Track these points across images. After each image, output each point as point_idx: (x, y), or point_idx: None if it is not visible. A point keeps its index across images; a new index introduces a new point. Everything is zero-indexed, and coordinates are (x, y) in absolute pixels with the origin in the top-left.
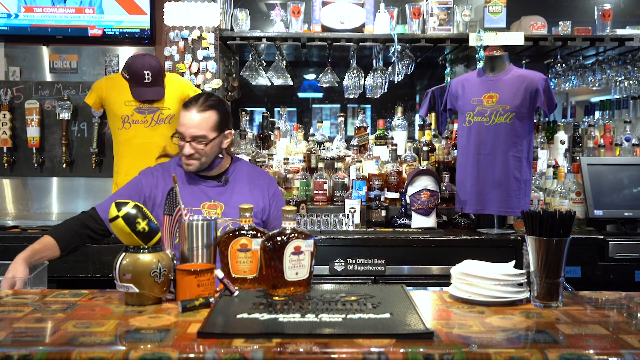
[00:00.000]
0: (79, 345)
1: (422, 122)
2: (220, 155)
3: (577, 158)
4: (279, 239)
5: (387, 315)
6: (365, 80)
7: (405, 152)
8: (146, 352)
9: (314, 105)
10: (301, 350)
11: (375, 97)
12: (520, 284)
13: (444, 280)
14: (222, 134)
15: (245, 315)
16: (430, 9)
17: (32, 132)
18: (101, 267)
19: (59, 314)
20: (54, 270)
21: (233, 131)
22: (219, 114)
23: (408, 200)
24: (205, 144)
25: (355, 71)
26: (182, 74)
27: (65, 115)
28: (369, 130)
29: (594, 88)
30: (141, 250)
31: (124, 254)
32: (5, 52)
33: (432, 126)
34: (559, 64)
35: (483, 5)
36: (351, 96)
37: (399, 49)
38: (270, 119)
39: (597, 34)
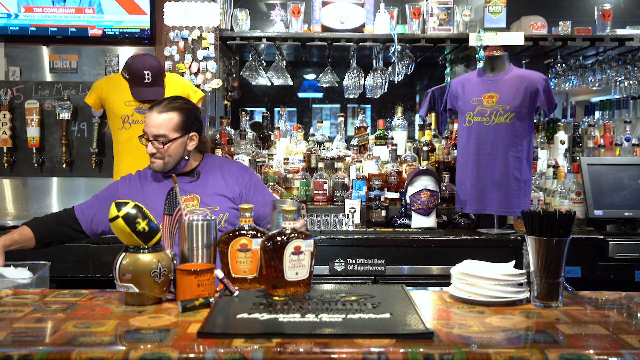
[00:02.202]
0: (79, 345)
1: (422, 122)
2: (186, 157)
3: (577, 158)
4: (279, 239)
5: (387, 315)
6: (365, 80)
7: (405, 152)
8: (146, 352)
9: (314, 105)
10: (301, 350)
11: (375, 97)
12: (520, 284)
13: (444, 280)
14: (186, 136)
15: (245, 315)
16: (430, 9)
17: (32, 132)
18: (101, 267)
19: (59, 314)
20: (54, 270)
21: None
22: (182, 116)
23: (408, 200)
24: (164, 144)
25: (355, 71)
26: (182, 74)
27: (65, 115)
28: (369, 130)
29: (594, 88)
30: (141, 250)
31: (124, 254)
32: (5, 52)
33: (432, 126)
34: (559, 64)
35: (483, 5)
36: (351, 96)
37: (399, 49)
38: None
39: (597, 34)
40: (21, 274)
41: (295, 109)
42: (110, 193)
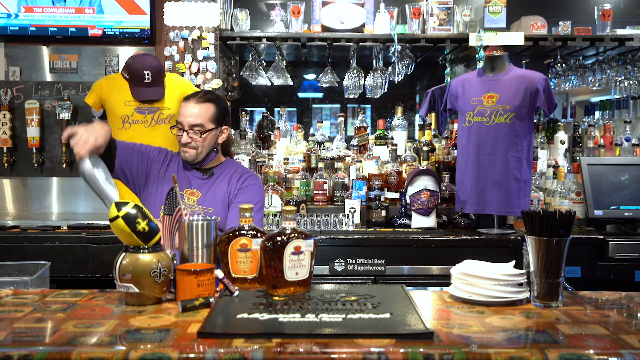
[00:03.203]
0: (79, 345)
1: (422, 122)
2: (216, 150)
3: (577, 158)
4: (279, 239)
5: (387, 315)
6: (365, 80)
7: (405, 152)
8: (146, 352)
9: (314, 105)
10: (301, 350)
11: (375, 97)
12: (520, 284)
13: (444, 280)
14: (219, 128)
15: (245, 315)
16: (430, 9)
17: (32, 132)
18: (101, 267)
19: (59, 314)
20: (54, 270)
21: (232, 131)
22: (217, 107)
23: (408, 200)
24: (202, 134)
25: (355, 71)
26: (182, 74)
27: (65, 115)
28: (369, 130)
29: (594, 88)
30: (141, 250)
31: (124, 254)
32: (5, 52)
33: (432, 126)
34: (559, 64)
35: (483, 5)
36: (351, 96)
37: (399, 49)
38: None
39: (597, 34)
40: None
41: (295, 109)
42: (147, 150)
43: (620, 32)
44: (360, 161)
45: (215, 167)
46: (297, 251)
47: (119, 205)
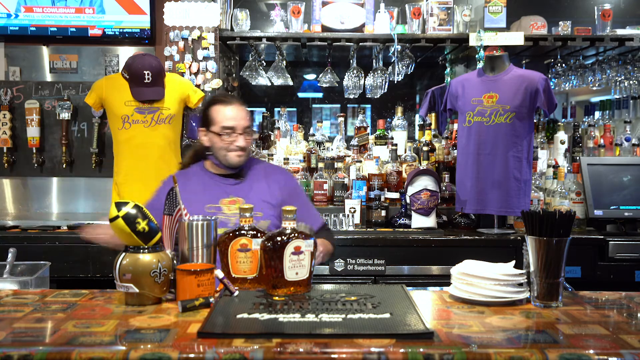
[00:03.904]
0: (79, 345)
1: (422, 122)
2: (252, 150)
3: (577, 158)
4: (279, 239)
5: (387, 315)
6: (365, 80)
7: (405, 152)
8: (146, 352)
9: (314, 105)
10: (301, 350)
11: (375, 97)
12: (520, 284)
13: (444, 280)
14: None
15: (245, 315)
16: (430, 9)
17: (32, 132)
18: (101, 267)
19: (59, 314)
20: (54, 270)
21: None
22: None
23: (408, 200)
24: (252, 134)
25: (355, 71)
26: (182, 74)
27: (65, 115)
28: (369, 130)
29: (594, 88)
30: (141, 250)
31: (124, 254)
32: (5, 52)
33: (432, 126)
34: (559, 64)
35: (483, 5)
36: (351, 96)
37: (399, 49)
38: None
39: (597, 34)
40: None
41: (295, 109)
42: (158, 199)
43: (620, 32)
44: (360, 161)
45: (242, 169)
46: (297, 251)
47: (119, 205)
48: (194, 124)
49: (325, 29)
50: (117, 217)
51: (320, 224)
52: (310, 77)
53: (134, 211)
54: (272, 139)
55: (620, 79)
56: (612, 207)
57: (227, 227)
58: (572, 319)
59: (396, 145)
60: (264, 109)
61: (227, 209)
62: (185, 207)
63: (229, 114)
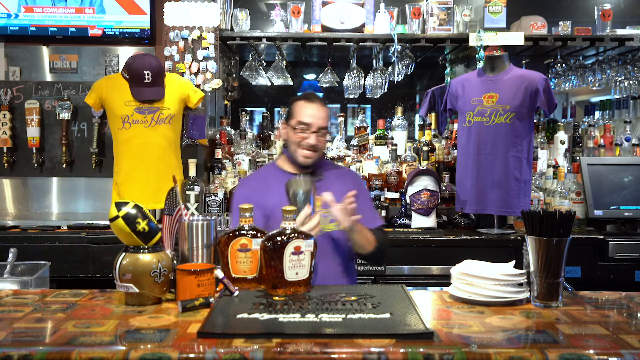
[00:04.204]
0: (79, 345)
1: (422, 122)
2: (325, 151)
3: (577, 158)
4: (279, 239)
5: (387, 315)
6: (365, 80)
7: (405, 152)
8: (146, 352)
9: None
10: (301, 350)
11: (375, 97)
12: (520, 284)
13: (444, 280)
14: None
15: (245, 315)
16: (430, 9)
17: (32, 132)
18: (101, 267)
19: (59, 314)
20: (54, 270)
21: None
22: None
23: (408, 200)
24: (326, 136)
25: (355, 71)
26: (182, 74)
27: (65, 115)
28: (369, 130)
29: (594, 88)
30: (141, 250)
31: (124, 254)
32: (5, 52)
33: (432, 126)
34: (559, 64)
35: (483, 5)
36: (351, 96)
37: (399, 49)
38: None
39: (597, 34)
40: None
41: None
42: (251, 200)
43: (620, 32)
44: (360, 161)
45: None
46: (297, 251)
47: (119, 205)
48: (194, 124)
49: (325, 29)
50: (117, 217)
51: (378, 224)
52: (310, 77)
53: (134, 211)
54: (272, 139)
55: (620, 79)
56: (612, 207)
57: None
58: (572, 319)
59: (396, 145)
60: (264, 109)
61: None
62: (272, 214)
63: (308, 111)
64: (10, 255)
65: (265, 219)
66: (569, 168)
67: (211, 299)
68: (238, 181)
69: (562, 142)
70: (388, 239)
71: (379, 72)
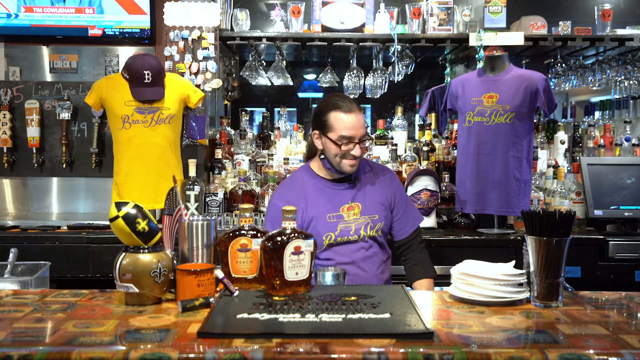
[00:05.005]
0: (79, 345)
1: (422, 122)
2: (364, 156)
3: (577, 158)
4: (279, 239)
5: (387, 315)
6: (365, 80)
7: (405, 152)
8: (146, 352)
9: (314, 105)
10: (301, 350)
11: (375, 97)
12: (520, 284)
13: (444, 280)
14: None
15: (245, 315)
16: (430, 9)
17: (32, 132)
18: (101, 267)
19: (59, 314)
20: (54, 270)
21: (232, 131)
22: None
23: None
24: (368, 141)
25: (355, 71)
26: (182, 74)
27: (65, 115)
28: (369, 130)
29: (594, 88)
30: (141, 250)
31: (124, 254)
32: (5, 52)
33: (432, 126)
34: (559, 64)
35: (483, 5)
36: (351, 96)
37: (399, 49)
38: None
39: (597, 34)
40: None
41: (295, 109)
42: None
43: (620, 32)
44: None
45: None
46: (297, 251)
47: (119, 205)
48: (194, 124)
49: (325, 29)
50: (117, 217)
51: (418, 222)
52: (310, 77)
53: (134, 211)
54: (272, 139)
55: (620, 79)
56: (612, 207)
57: (349, 234)
58: (572, 319)
59: (396, 145)
60: (264, 109)
61: (347, 215)
62: (313, 220)
63: (348, 124)
64: (11, 255)
65: (304, 229)
66: (569, 168)
67: (211, 299)
68: (238, 180)
69: (562, 142)
70: (423, 240)
71: (379, 72)
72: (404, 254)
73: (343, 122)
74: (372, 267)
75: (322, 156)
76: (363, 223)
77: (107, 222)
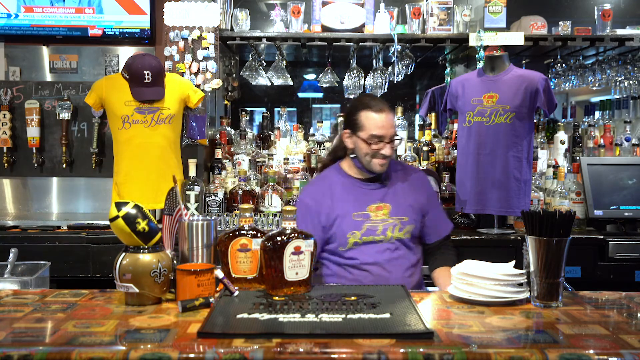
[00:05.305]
0: (79, 345)
1: (422, 122)
2: (393, 156)
3: (577, 158)
4: (279, 239)
5: (387, 315)
6: (365, 80)
7: (405, 152)
8: (146, 352)
9: (314, 105)
10: (301, 350)
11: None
12: (520, 284)
13: None
14: None
15: (245, 315)
16: (430, 9)
17: (32, 132)
18: (101, 267)
19: (59, 314)
20: (54, 270)
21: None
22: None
23: None
24: (398, 141)
25: (355, 71)
26: (182, 74)
27: (65, 115)
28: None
29: (594, 88)
30: (141, 250)
31: (124, 254)
32: (5, 52)
33: (432, 126)
34: (559, 64)
35: (483, 5)
36: (351, 96)
37: (399, 49)
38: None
39: (597, 34)
40: None
41: (295, 109)
42: (310, 215)
43: (620, 32)
44: None
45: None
46: (297, 251)
47: (119, 205)
48: (194, 124)
49: (325, 29)
50: (117, 217)
51: (450, 229)
52: (310, 77)
53: (134, 211)
54: (272, 139)
55: (620, 79)
56: (612, 207)
57: (375, 234)
58: (572, 319)
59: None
60: (264, 109)
61: (374, 215)
62: (338, 218)
63: (379, 122)
64: (11, 255)
65: (328, 228)
66: (569, 168)
67: (211, 299)
68: (238, 180)
69: (562, 142)
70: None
71: (379, 72)
72: (432, 255)
73: (374, 121)
74: (398, 270)
75: (353, 155)
76: (391, 224)
77: (107, 222)
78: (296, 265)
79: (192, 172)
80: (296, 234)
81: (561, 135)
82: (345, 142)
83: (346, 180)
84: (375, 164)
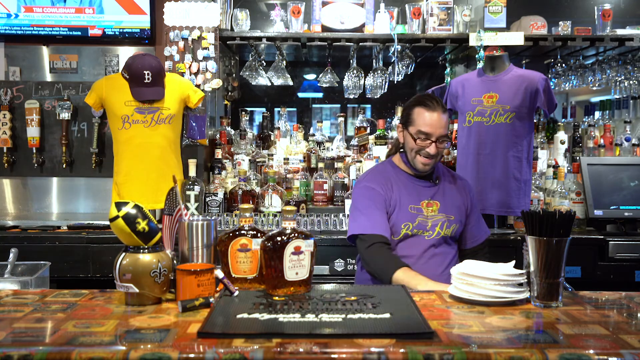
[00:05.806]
0: (79, 345)
1: None
2: (439, 156)
3: (577, 158)
4: (279, 239)
5: (387, 315)
6: (365, 80)
7: None
8: (146, 352)
9: (314, 105)
10: (301, 350)
11: (375, 97)
12: (520, 284)
13: None
14: None
15: (245, 315)
16: (430, 9)
17: (32, 132)
18: (101, 267)
19: (59, 314)
20: (54, 270)
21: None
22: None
23: None
24: (445, 143)
25: (355, 71)
26: (182, 74)
27: (65, 115)
28: (368, 130)
29: (594, 88)
30: (141, 250)
31: (124, 254)
32: (5, 52)
33: None
34: (559, 64)
35: (483, 5)
36: (351, 96)
37: (399, 49)
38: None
39: (597, 34)
40: None
41: (295, 109)
42: (381, 201)
43: (620, 32)
44: (360, 161)
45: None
46: (297, 251)
47: (119, 205)
48: (194, 124)
49: (325, 29)
50: (117, 217)
51: (487, 235)
52: (310, 77)
53: (134, 211)
54: (272, 139)
55: (620, 79)
56: (612, 207)
57: (425, 228)
58: (572, 319)
59: None
60: (264, 109)
61: (426, 210)
62: (397, 207)
63: (428, 120)
64: (11, 255)
65: (387, 215)
66: (569, 168)
67: (211, 299)
68: (238, 180)
69: (562, 142)
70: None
71: (379, 72)
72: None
73: (424, 118)
74: (436, 268)
75: (402, 149)
76: (440, 220)
77: (107, 222)
78: (296, 265)
79: (192, 172)
80: (296, 234)
81: (561, 135)
82: (398, 136)
83: (399, 173)
84: (419, 161)
